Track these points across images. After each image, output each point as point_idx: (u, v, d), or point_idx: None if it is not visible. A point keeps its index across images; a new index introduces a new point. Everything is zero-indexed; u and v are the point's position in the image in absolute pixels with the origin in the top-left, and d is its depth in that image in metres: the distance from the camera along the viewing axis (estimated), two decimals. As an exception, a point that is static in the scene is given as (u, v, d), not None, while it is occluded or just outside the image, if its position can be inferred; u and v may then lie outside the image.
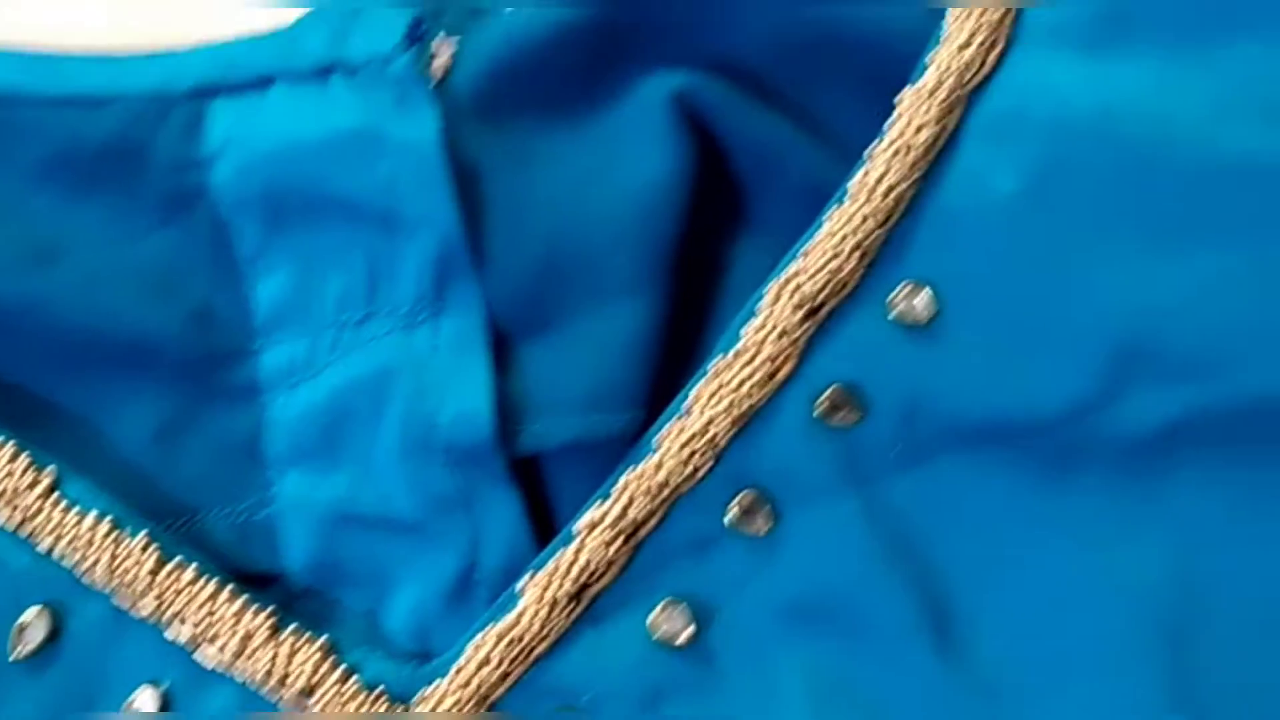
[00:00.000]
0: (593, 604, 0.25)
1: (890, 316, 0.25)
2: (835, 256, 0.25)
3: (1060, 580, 0.25)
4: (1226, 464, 0.25)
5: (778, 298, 0.25)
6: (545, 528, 0.26)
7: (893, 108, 0.26)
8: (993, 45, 0.26)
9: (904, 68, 0.26)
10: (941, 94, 0.26)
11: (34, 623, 0.25)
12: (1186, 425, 0.25)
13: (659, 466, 0.25)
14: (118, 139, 0.27)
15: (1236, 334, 0.25)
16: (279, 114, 0.27)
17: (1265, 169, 0.25)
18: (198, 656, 0.25)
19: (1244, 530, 0.25)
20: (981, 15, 0.26)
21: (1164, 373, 0.25)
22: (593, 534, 0.25)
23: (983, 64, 0.26)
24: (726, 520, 0.25)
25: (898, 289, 0.25)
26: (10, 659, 0.25)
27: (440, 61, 0.27)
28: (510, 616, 0.24)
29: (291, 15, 0.28)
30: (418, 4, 0.27)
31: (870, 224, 0.25)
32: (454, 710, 0.24)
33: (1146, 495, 0.25)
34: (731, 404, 0.25)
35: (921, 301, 0.25)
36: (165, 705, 0.25)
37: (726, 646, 0.25)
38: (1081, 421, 0.25)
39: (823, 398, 0.25)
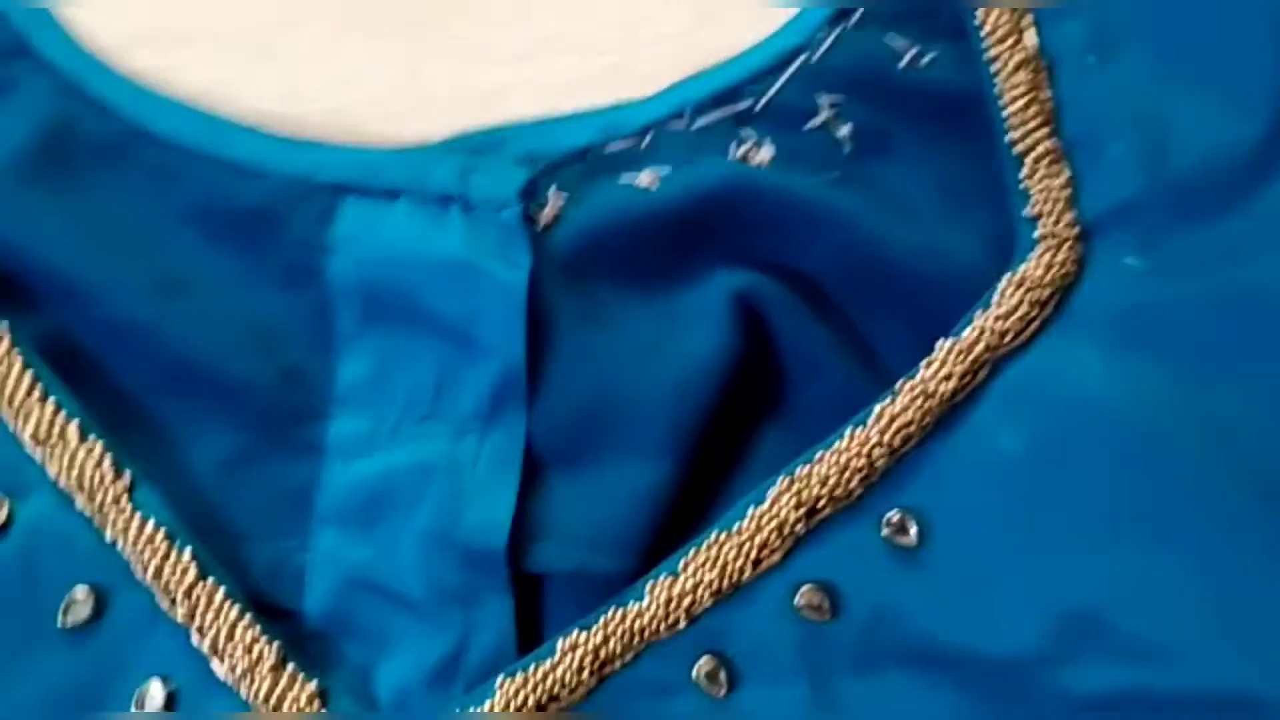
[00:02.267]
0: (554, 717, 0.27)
1: (881, 534, 0.28)
2: (842, 471, 0.28)
3: None
4: None
5: (783, 492, 0.28)
6: (533, 639, 0.29)
7: (931, 347, 0.29)
8: (1033, 321, 0.29)
9: (952, 310, 0.29)
10: (974, 353, 0.28)
11: (84, 599, 0.28)
12: (1126, 700, 0.27)
13: (642, 613, 0.27)
14: (260, 208, 0.31)
15: (1183, 631, 0.27)
16: (399, 225, 0.31)
17: (1240, 491, 0.27)
18: (214, 665, 0.28)
19: None
20: (1029, 293, 0.29)
21: (1111, 649, 0.27)
22: (568, 655, 0.27)
23: (1019, 335, 0.29)
24: (691, 675, 0.27)
25: (892, 512, 0.28)
26: (57, 625, 0.28)
27: (548, 212, 0.31)
28: (481, 708, 0.27)
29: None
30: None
31: (879, 452, 0.28)
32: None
33: None
34: (720, 574, 0.28)
35: (911, 529, 0.28)
36: (171, 701, 0.28)
37: None
38: (1025, 670, 0.27)
39: (802, 591, 0.28)
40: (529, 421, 0.30)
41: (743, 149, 0.32)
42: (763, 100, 0.32)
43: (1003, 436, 0.28)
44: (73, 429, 0.29)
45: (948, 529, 0.28)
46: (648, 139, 0.32)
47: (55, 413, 0.29)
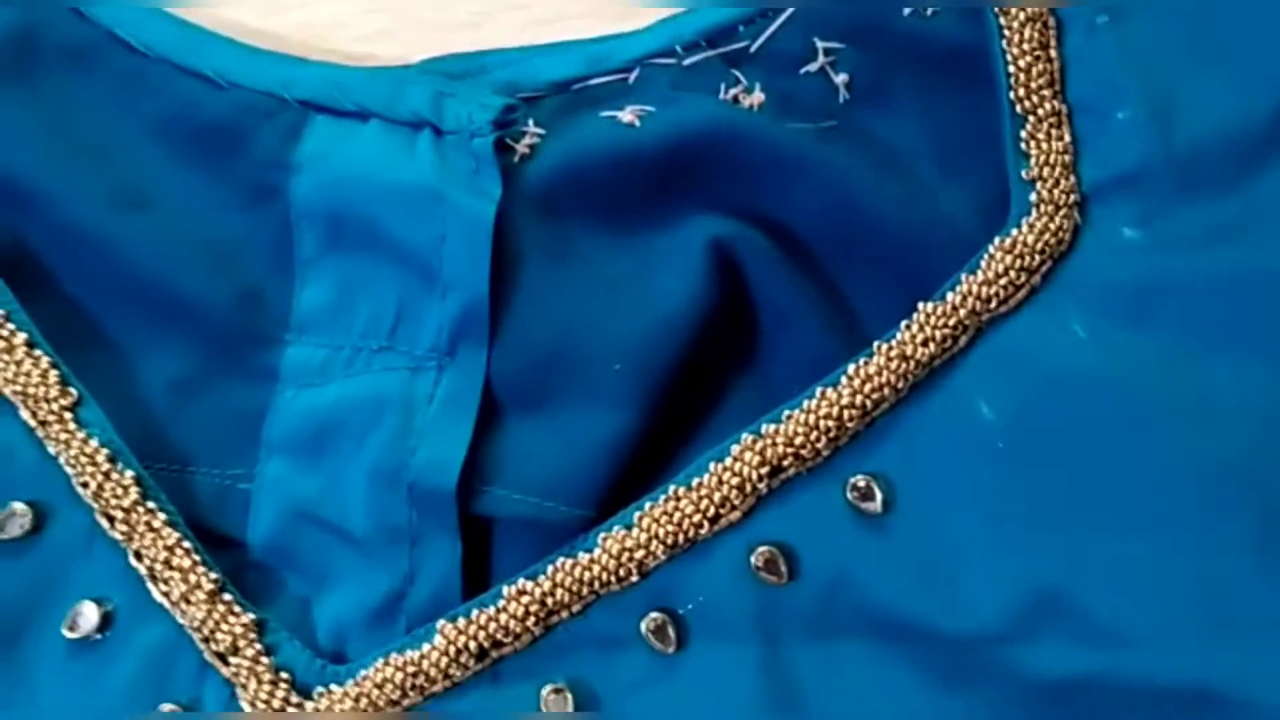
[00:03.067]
0: (495, 664, 0.27)
1: (846, 499, 0.27)
2: (810, 432, 0.27)
3: None
4: None
5: (747, 449, 0.27)
6: (476, 582, 0.28)
7: (913, 309, 0.28)
8: (1021, 288, 0.28)
9: (938, 272, 0.28)
10: (957, 316, 0.27)
11: (22, 513, 0.28)
12: (1086, 684, 0.26)
13: (592, 564, 0.27)
14: (228, 122, 0.30)
15: (1153, 618, 0.26)
16: (367, 149, 0.30)
17: (1221, 479, 0.26)
18: (151, 589, 0.27)
19: None
20: (1019, 259, 0.28)
21: (1076, 631, 0.26)
22: (514, 603, 0.27)
23: (1005, 301, 0.28)
24: (639, 629, 0.27)
25: (858, 477, 0.27)
26: None
27: (524, 145, 0.30)
28: (419, 650, 0.27)
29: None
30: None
31: (850, 414, 0.27)
32: (344, 715, 0.27)
33: None
34: (676, 530, 0.27)
35: (876, 495, 0.27)
36: (105, 623, 0.27)
37: None
38: (985, 648, 0.26)
39: (760, 551, 0.27)
40: (489, 360, 0.29)
41: (733, 91, 0.30)
42: (758, 42, 0.30)
43: (980, 405, 0.27)
44: (20, 339, 0.28)
45: (915, 497, 0.27)
46: (634, 75, 0.31)
47: (2, 323, 0.28)
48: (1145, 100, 0.28)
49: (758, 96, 0.30)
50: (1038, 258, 0.28)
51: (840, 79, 0.30)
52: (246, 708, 0.27)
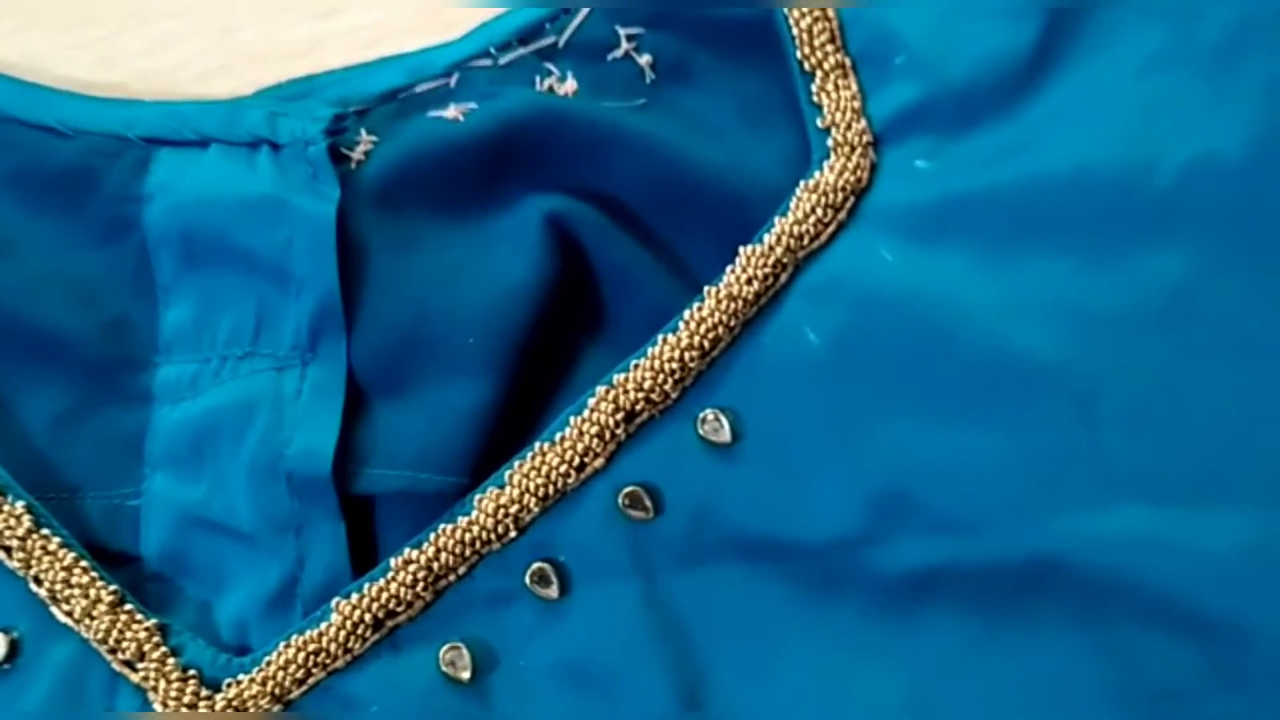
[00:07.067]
0: (392, 633, 0.28)
1: (697, 433, 0.29)
2: (656, 375, 0.29)
3: (807, 687, 0.28)
4: (966, 614, 0.28)
5: (602, 400, 0.29)
6: (367, 561, 0.29)
7: (736, 256, 0.30)
8: (829, 223, 0.30)
9: (757, 223, 0.30)
10: (774, 255, 0.30)
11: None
12: (938, 574, 0.28)
13: (471, 525, 0.28)
14: (77, 166, 0.32)
15: (988, 503, 0.28)
16: (210, 171, 0.31)
17: (1035, 365, 0.29)
18: (54, 612, 0.28)
19: (972, 675, 0.28)
20: (823, 197, 0.30)
21: (922, 525, 0.28)
22: (402, 573, 0.28)
23: (816, 237, 0.30)
24: (523, 582, 0.28)
25: (706, 412, 0.29)
26: None
27: (359, 151, 0.32)
28: (318, 630, 0.28)
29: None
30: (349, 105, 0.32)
31: (690, 355, 0.29)
32: (253, 700, 0.28)
33: (894, 628, 0.28)
34: (546, 482, 0.29)
35: (724, 427, 0.29)
36: (13, 651, 0.28)
37: (503, 690, 0.28)
38: (844, 553, 0.28)
39: (625, 492, 0.29)
40: (349, 350, 0.30)
41: (548, 82, 0.33)
42: (565, 35, 0.33)
43: (807, 332, 0.29)
44: None
45: (760, 424, 0.29)
46: (455, 78, 0.33)
47: None
48: (920, 43, 0.31)
49: (571, 84, 0.33)
50: (840, 195, 0.30)
51: (644, 60, 0.33)
52: (159, 709, 0.28)
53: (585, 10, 0.33)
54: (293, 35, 0.34)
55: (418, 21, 0.34)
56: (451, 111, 0.32)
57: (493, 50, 0.33)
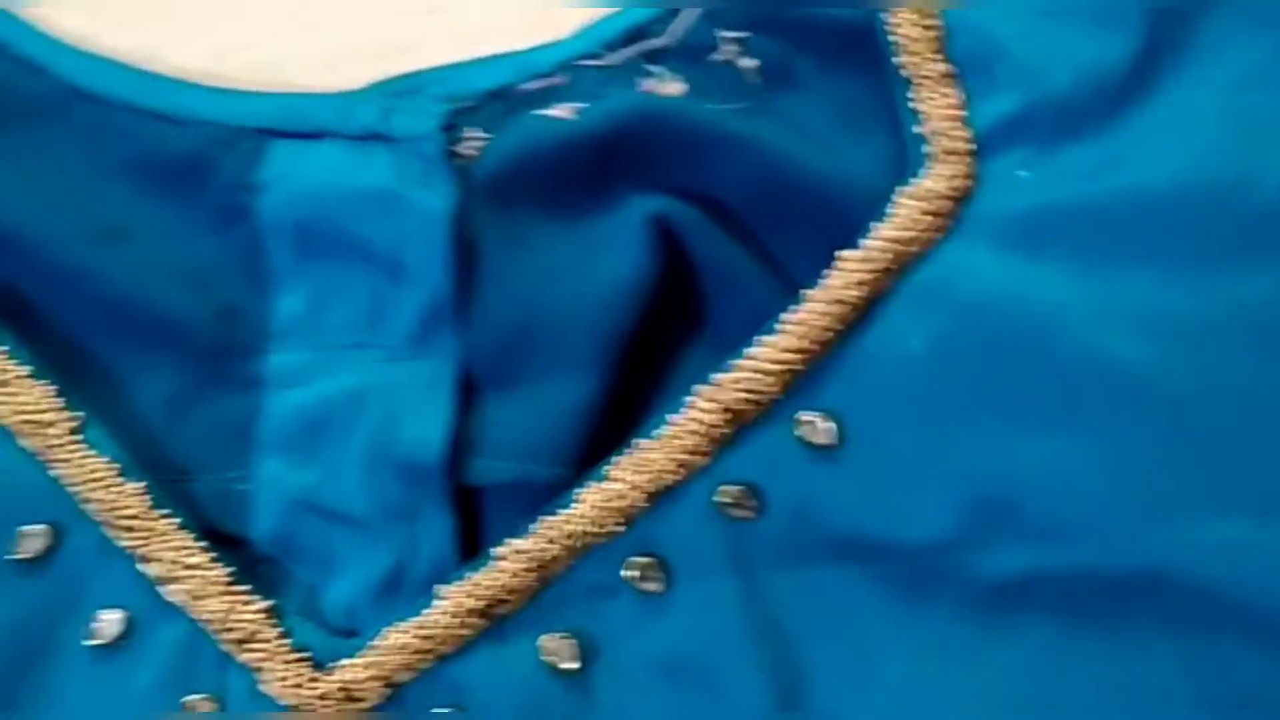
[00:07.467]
0: (498, 621, 0.29)
1: (797, 435, 0.29)
2: (759, 377, 0.30)
3: (900, 689, 0.28)
4: (1058, 621, 0.28)
5: (704, 399, 0.29)
6: (474, 549, 0.30)
7: (837, 259, 0.30)
8: (935, 230, 0.31)
9: (858, 227, 0.31)
10: (879, 263, 0.30)
11: (35, 534, 0.29)
12: (1032, 580, 0.28)
13: (574, 518, 0.29)
14: (191, 154, 0.32)
15: (1086, 511, 0.28)
16: (326, 161, 0.32)
17: (1131, 375, 0.29)
18: (163, 591, 0.29)
19: (1061, 681, 0.28)
20: (923, 204, 0.31)
21: (1019, 532, 0.28)
22: (509, 562, 0.29)
23: (917, 243, 0.30)
24: (625, 575, 0.29)
25: (806, 414, 0.29)
26: (5, 557, 0.29)
27: (469, 147, 0.32)
28: (426, 616, 0.28)
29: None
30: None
31: (792, 357, 0.30)
32: (363, 684, 0.28)
33: (987, 632, 0.28)
34: (647, 479, 0.29)
35: (826, 429, 0.29)
36: (125, 629, 0.29)
37: (605, 682, 0.28)
38: (940, 557, 0.29)
39: (727, 490, 0.29)
40: (461, 343, 0.31)
41: (652, 83, 0.33)
42: (673, 37, 0.34)
43: (909, 338, 0.30)
44: (22, 372, 0.30)
45: (862, 427, 0.29)
46: (562, 77, 0.33)
47: (4, 359, 0.30)
48: (1021, 53, 0.32)
49: (675, 86, 0.33)
50: (941, 202, 0.31)
51: (750, 64, 0.33)
52: (270, 690, 0.28)
53: (695, 11, 0.33)
54: (397, 31, 0.34)
55: (520, 20, 0.34)
56: (563, 111, 0.33)
57: (599, 50, 0.33)
